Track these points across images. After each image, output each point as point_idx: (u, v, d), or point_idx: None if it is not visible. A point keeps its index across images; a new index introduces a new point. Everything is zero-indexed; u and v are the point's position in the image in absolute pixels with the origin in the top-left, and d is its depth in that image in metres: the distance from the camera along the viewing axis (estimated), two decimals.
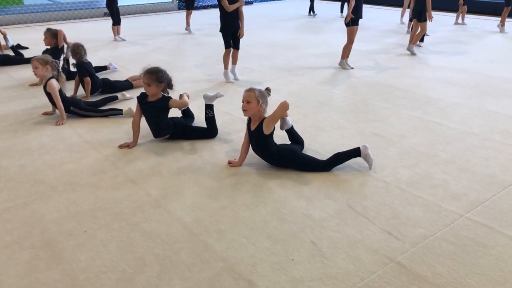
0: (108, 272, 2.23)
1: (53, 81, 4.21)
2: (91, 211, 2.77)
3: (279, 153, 3.26)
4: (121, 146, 3.69)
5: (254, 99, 3.14)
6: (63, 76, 4.33)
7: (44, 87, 4.26)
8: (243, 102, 3.19)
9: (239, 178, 3.17)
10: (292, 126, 3.54)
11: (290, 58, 7.05)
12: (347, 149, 3.33)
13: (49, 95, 4.26)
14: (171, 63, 6.75)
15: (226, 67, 5.70)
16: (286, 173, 3.23)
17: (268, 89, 3.28)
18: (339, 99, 4.97)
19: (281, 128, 3.52)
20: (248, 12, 12.38)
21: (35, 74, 4.24)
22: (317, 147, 3.67)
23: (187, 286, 2.13)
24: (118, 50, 7.83)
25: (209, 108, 3.83)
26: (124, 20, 9.62)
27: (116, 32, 8.64)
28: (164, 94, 3.70)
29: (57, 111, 4.41)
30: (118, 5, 8.81)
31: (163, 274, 2.21)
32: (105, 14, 11.68)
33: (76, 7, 12.43)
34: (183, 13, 9.87)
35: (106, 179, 3.18)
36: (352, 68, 6.32)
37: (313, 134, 3.95)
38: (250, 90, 3.19)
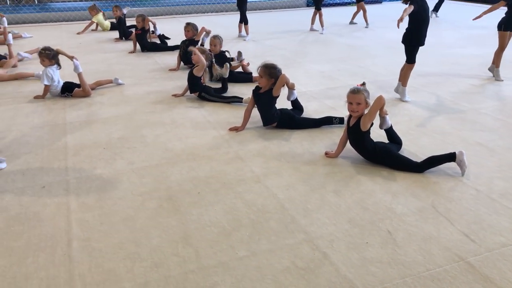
0: (212, 226, 2.77)
1: (200, 67, 5.03)
2: (205, 178, 3.36)
3: (374, 149, 3.49)
4: (230, 129, 4.26)
5: (364, 100, 3.41)
6: (216, 66, 5.24)
7: (192, 70, 5.09)
8: (351, 104, 3.43)
9: (332, 168, 3.50)
10: (391, 126, 3.72)
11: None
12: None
13: (191, 78, 5.07)
14: (290, 59, 7.23)
15: (406, 83, 5.07)
16: (378, 169, 3.45)
17: (364, 84, 3.53)
18: (449, 105, 4.92)
19: (380, 127, 3.72)
20: (375, 11, 12.30)
21: (192, 59, 5.09)
22: (415, 149, 3.79)
23: (271, 247, 2.56)
24: (241, 44, 8.55)
25: (340, 120, 4.25)
26: (251, 15, 10.34)
27: (244, 31, 9.25)
28: (272, 87, 4.14)
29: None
30: (248, 0, 9.53)
31: (254, 234, 2.67)
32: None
33: (215, 1, 13.65)
34: (311, 10, 10.18)
35: (220, 154, 3.76)
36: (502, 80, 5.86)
37: (414, 136, 4.06)
38: (359, 92, 3.41)
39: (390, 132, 3.76)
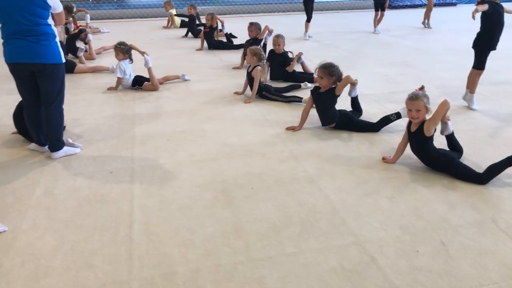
0: (262, 221, 2.85)
1: (259, 68, 5.16)
2: (259, 174, 3.45)
3: (438, 156, 3.38)
4: (288, 128, 4.31)
5: (424, 107, 3.33)
6: (266, 67, 5.38)
7: (250, 71, 5.21)
8: (410, 111, 3.36)
9: (388, 174, 3.45)
10: (452, 132, 3.59)
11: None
12: None
13: (250, 78, 5.19)
14: (354, 60, 7.14)
15: (474, 90, 4.88)
16: (437, 177, 3.35)
17: (422, 87, 3.48)
18: None
19: (442, 133, 3.60)
20: (449, 13, 11.76)
21: (246, 60, 5.33)
22: (478, 160, 3.62)
23: (320, 247, 2.59)
24: (307, 44, 8.56)
25: (397, 115, 4.17)
26: (318, 16, 10.32)
27: (308, 29, 9.31)
28: (333, 86, 4.16)
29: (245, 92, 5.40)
30: (315, 1, 9.53)
31: (303, 233, 2.72)
32: None
33: (282, 1, 13.76)
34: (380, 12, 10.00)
35: (275, 152, 3.84)
36: None
37: (478, 147, 3.89)
38: (417, 98, 3.33)
39: (451, 138, 3.62)
